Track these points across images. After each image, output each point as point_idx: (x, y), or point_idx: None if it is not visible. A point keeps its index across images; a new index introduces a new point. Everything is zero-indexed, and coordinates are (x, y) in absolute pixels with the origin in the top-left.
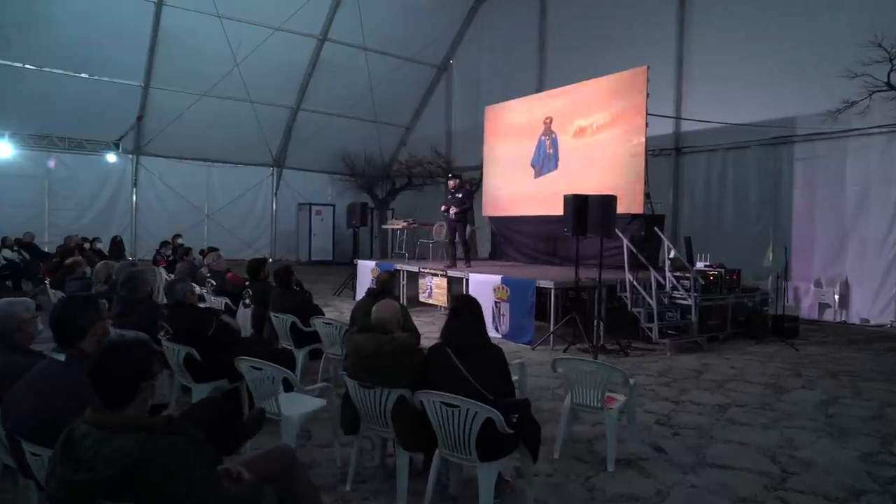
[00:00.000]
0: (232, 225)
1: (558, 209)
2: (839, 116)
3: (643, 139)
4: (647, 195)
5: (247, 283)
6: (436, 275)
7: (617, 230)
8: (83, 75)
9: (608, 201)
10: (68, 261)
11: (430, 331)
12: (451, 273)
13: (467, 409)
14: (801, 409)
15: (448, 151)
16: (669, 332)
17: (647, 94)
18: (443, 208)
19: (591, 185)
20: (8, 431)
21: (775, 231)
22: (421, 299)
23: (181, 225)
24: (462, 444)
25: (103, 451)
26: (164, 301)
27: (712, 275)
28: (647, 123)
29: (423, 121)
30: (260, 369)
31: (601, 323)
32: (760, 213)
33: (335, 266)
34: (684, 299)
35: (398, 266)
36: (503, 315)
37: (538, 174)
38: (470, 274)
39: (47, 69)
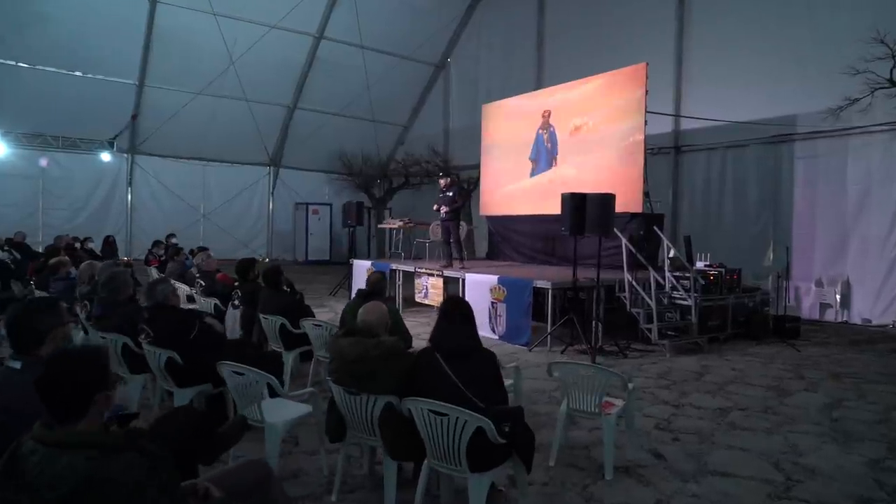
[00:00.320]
0: (228, 224)
1: (556, 208)
2: (840, 114)
3: (642, 137)
4: (646, 194)
5: (236, 283)
6: (432, 275)
7: (615, 229)
8: (77, 73)
9: (606, 200)
10: (52, 261)
11: (425, 332)
12: (447, 273)
13: (456, 418)
14: (805, 412)
15: (446, 150)
16: (669, 333)
17: (647, 92)
18: (434, 207)
19: (589, 184)
20: None
21: (775, 230)
22: (417, 299)
23: (177, 225)
24: (451, 454)
25: (51, 469)
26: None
27: (712, 275)
28: (646, 121)
29: (420, 120)
30: (242, 374)
31: (599, 324)
32: (760, 213)
33: (332, 266)
34: (684, 300)
35: (394, 266)
36: (500, 316)
37: (535, 169)
38: (466, 274)
39: (41, 67)
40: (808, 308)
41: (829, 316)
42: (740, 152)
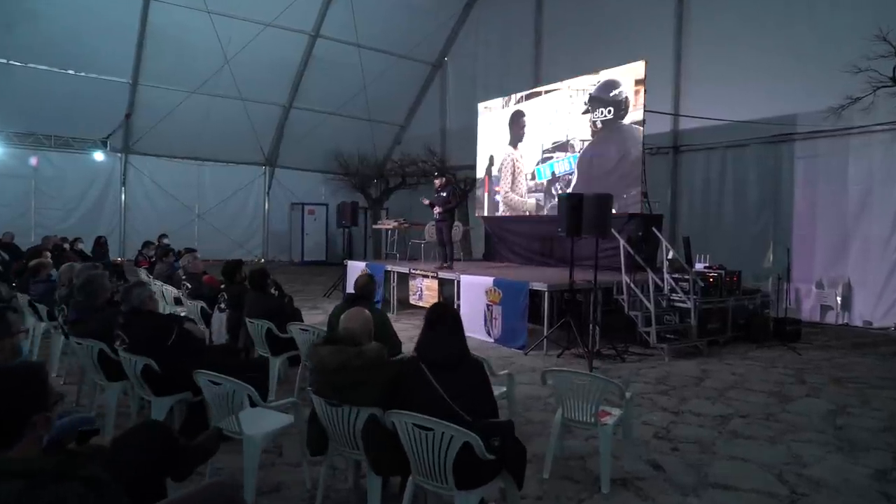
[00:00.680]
0: (223, 225)
1: (553, 208)
2: (842, 113)
3: (641, 136)
4: (644, 194)
5: (222, 286)
6: (426, 276)
7: (613, 230)
8: (70, 72)
9: (604, 200)
10: (32, 263)
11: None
12: (442, 275)
13: (442, 433)
14: (808, 420)
15: (443, 150)
16: (668, 336)
17: (646, 90)
18: (425, 201)
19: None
20: None
21: (775, 231)
22: (411, 301)
23: (171, 225)
24: (437, 470)
25: None
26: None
27: (712, 276)
28: (644, 119)
29: (417, 119)
30: (219, 384)
31: (597, 327)
32: (760, 213)
33: (328, 266)
34: (683, 302)
35: (388, 267)
36: (495, 318)
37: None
38: (461, 276)
39: (32, 65)
40: (808, 310)
41: (830, 318)
42: (740, 152)
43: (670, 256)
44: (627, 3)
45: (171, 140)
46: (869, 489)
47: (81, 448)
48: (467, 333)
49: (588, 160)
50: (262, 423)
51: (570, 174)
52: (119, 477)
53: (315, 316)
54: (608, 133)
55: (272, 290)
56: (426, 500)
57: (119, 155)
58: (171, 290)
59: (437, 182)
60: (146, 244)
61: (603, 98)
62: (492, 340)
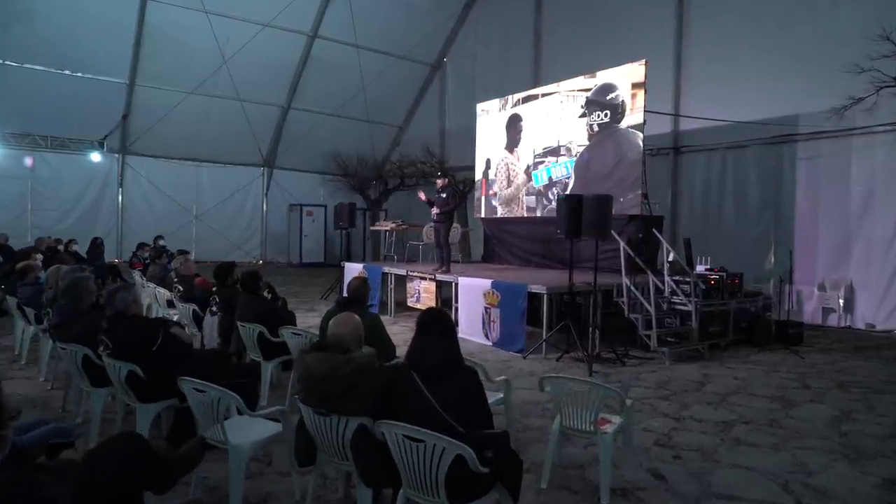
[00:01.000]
0: (221, 226)
1: (551, 211)
2: (844, 114)
3: (641, 136)
4: (644, 195)
5: (214, 288)
6: (424, 278)
7: (613, 232)
8: (66, 72)
9: (604, 202)
10: (20, 265)
11: None
12: (439, 277)
13: (434, 445)
14: (812, 426)
15: (442, 151)
16: (669, 339)
17: (646, 90)
18: (422, 196)
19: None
20: None
21: (777, 233)
22: (409, 304)
23: (169, 226)
24: (428, 483)
25: None
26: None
27: (713, 279)
28: (644, 120)
29: (416, 120)
30: (203, 392)
31: (596, 330)
32: (761, 215)
33: (327, 268)
34: (684, 305)
35: (386, 269)
36: (493, 321)
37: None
38: (459, 278)
39: (28, 65)
40: (810, 312)
41: (832, 321)
42: (741, 153)
43: (671, 258)
44: (627, 4)
45: (168, 141)
46: (877, 499)
47: (50, 462)
48: (465, 336)
49: (584, 164)
50: (248, 431)
51: (568, 178)
52: (92, 492)
53: (312, 318)
54: (605, 137)
55: (265, 293)
56: None
57: (116, 156)
58: (164, 293)
59: (439, 182)
60: (140, 246)
61: (599, 101)
62: (490, 344)
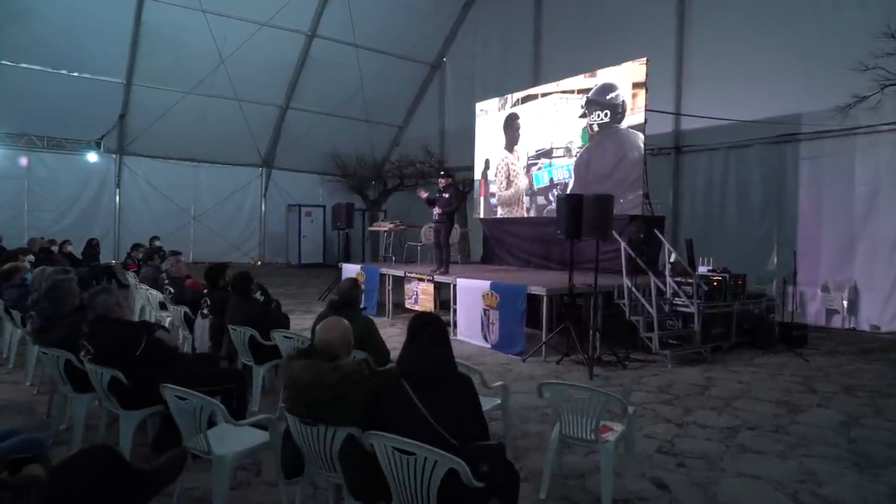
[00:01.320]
0: (219, 227)
1: (550, 212)
2: (849, 112)
3: (642, 136)
4: (646, 196)
5: (205, 290)
6: (422, 280)
7: (614, 232)
8: (62, 72)
9: (604, 202)
10: (5, 267)
11: None
12: (437, 278)
13: (425, 458)
14: (820, 432)
15: (441, 151)
16: (670, 342)
17: (647, 88)
18: (423, 195)
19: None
20: None
21: (780, 233)
22: (407, 305)
23: (167, 227)
24: (420, 498)
25: None
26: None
27: (716, 280)
28: (646, 119)
29: (415, 120)
30: (185, 399)
31: (597, 332)
32: (764, 215)
33: (325, 269)
34: (686, 306)
35: (383, 270)
36: (492, 323)
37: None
38: (458, 279)
39: (25, 65)
40: (813, 314)
41: (836, 322)
42: (743, 153)
43: (673, 259)
44: (628, 2)
45: (166, 141)
46: None
47: (11, 479)
48: (463, 338)
49: (585, 164)
50: (234, 440)
51: (568, 179)
52: None
53: (308, 320)
54: (605, 137)
55: (257, 295)
56: None
57: (113, 156)
58: (156, 295)
59: (441, 182)
60: (135, 246)
61: (600, 101)
62: (489, 346)
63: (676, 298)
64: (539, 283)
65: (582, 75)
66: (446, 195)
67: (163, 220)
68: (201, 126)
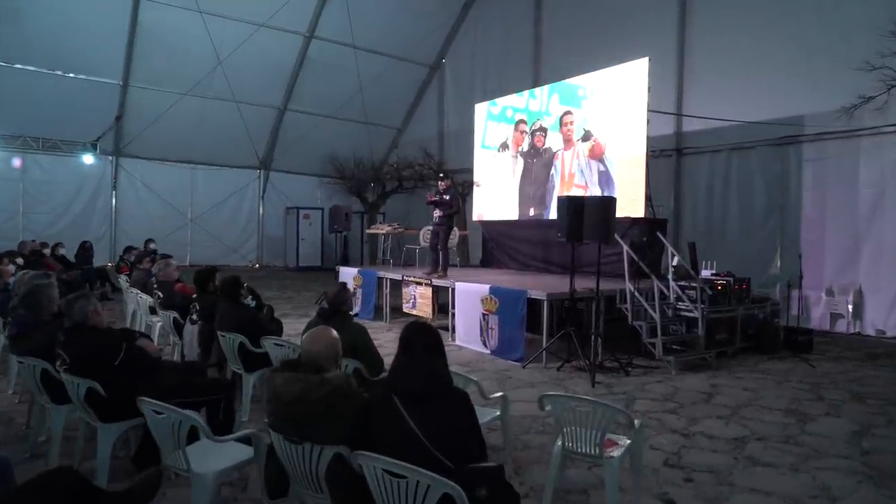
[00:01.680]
0: (217, 230)
1: (552, 212)
2: (854, 113)
3: (644, 137)
4: (648, 198)
5: (194, 295)
6: (420, 283)
7: (616, 235)
8: (58, 73)
9: (606, 204)
10: None
11: None
12: (436, 282)
13: (417, 482)
14: (831, 442)
15: (440, 153)
16: (674, 347)
17: (649, 89)
18: (432, 197)
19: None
20: None
21: (783, 236)
22: (404, 310)
23: (163, 230)
24: None
25: None
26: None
27: (720, 284)
28: (648, 120)
29: (414, 122)
30: (161, 413)
31: (599, 338)
32: (767, 218)
33: (323, 272)
34: (690, 311)
35: (381, 273)
36: (492, 329)
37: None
38: (456, 283)
39: (19, 66)
40: (817, 318)
41: (841, 327)
42: (745, 154)
43: (676, 263)
44: (628, 2)
45: (163, 143)
46: None
47: None
48: (462, 344)
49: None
50: (216, 456)
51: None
52: None
53: (304, 325)
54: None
55: (248, 300)
56: None
57: (110, 158)
58: (146, 299)
59: (441, 184)
60: (127, 249)
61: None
62: (488, 352)
63: (680, 303)
64: (539, 286)
65: (580, 76)
66: (447, 197)
67: (159, 222)
68: (198, 128)
